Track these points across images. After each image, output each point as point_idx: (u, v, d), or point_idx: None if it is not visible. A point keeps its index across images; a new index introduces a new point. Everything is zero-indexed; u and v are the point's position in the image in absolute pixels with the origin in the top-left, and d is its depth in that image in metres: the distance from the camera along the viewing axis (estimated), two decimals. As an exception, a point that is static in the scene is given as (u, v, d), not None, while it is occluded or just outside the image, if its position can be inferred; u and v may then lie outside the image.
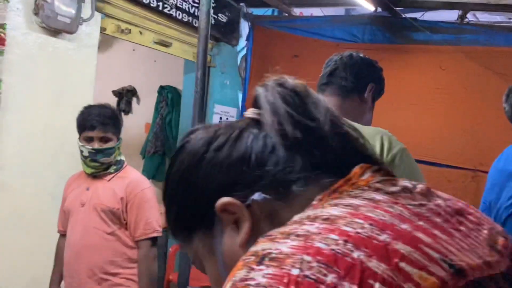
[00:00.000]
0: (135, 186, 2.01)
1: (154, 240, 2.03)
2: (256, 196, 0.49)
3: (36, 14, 2.66)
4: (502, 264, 0.40)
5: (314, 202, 0.46)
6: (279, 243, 0.39)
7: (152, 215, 2.02)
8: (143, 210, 1.98)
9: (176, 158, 0.57)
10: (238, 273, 0.39)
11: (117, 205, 1.96)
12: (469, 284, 0.37)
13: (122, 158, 2.09)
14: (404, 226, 0.39)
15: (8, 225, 2.66)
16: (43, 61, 2.75)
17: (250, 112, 0.56)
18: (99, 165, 1.99)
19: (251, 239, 0.48)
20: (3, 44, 2.49)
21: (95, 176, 2.02)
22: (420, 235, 0.38)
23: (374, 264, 0.36)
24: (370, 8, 3.63)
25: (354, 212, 0.41)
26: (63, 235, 2.12)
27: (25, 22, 2.64)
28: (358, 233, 0.38)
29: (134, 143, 4.50)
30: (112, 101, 4.00)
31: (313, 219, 0.41)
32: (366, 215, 0.40)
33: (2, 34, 2.48)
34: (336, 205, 0.43)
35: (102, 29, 3.03)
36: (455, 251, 0.38)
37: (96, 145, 1.96)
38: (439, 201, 0.44)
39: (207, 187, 0.52)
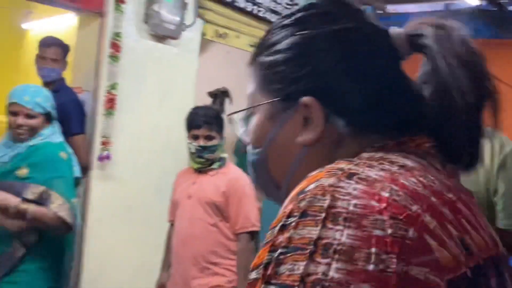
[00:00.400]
0: (236, 181, 2.13)
1: (253, 234, 2.13)
2: (340, 124, 0.51)
3: (146, 22, 2.91)
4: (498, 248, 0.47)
5: (376, 145, 0.49)
6: (365, 168, 0.43)
7: (251, 210, 2.12)
8: (243, 204, 2.10)
9: (315, 17, 0.54)
10: (325, 179, 0.42)
11: (220, 198, 2.09)
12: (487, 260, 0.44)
13: (225, 155, 2.23)
14: (462, 195, 0.45)
15: (118, 215, 2.94)
16: (151, 65, 3.00)
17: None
18: (204, 161, 2.14)
19: (311, 146, 0.51)
20: (118, 51, 2.77)
21: (200, 171, 2.18)
22: (467, 206, 0.45)
23: (446, 211, 0.42)
24: (473, 2, 3.44)
25: (424, 168, 0.46)
26: (173, 224, 2.30)
27: (137, 30, 2.90)
28: (431, 185, 0.43)
29: (227, 142, 4.70)
30: (208, 102, 4.21)
31: (390, 162, 0.44)
32: (434, 174, 0.45)
33: (118, 42, 2.75)
34: (406, 157, 0.46)
35: (203, 34, 3.22)
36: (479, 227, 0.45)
37: (202, 142, 2.11)
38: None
39: (317, 74, 0.51)
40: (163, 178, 3.17)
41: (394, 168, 0.43)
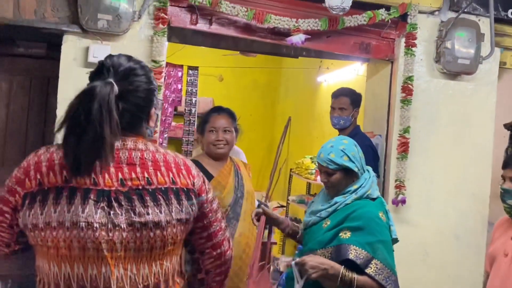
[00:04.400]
0: None
1: None
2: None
3: (437, 61, 2.82)
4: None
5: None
6: (49, 149, 1.13)
7: None
8: None
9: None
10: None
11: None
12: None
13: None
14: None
15: (413, 259, 2.85)
16: (443, 104, 2.87)
17: None
18: (508, 207, 1.85)
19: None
20: (410, 94, 2.76)
21: (518, 223, 1.89)
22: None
23: (44, 168, 1.07)
24: None
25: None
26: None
27: (428, 71, 2.84)
28: (52, 157, 1.09)
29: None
30: (504, 135, 3.73)
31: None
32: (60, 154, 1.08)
33: (410, 85, 2.75)
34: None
35: (502, 64, 2.91)
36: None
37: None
38: None
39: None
40: (460, 223, 2.93)
41: (50, 149, 1.09)
